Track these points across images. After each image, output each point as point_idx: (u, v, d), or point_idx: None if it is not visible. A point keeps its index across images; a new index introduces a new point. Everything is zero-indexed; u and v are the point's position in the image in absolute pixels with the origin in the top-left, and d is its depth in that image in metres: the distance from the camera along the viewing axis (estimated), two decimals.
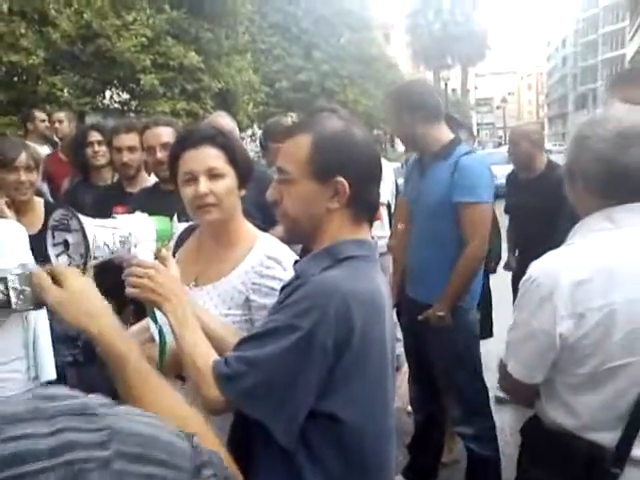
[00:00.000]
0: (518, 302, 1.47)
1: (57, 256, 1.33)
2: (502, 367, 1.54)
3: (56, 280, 1.10)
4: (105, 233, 1.42)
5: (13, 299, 1.12)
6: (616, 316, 1.31)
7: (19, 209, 2.78)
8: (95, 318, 1.06)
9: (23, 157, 2.77)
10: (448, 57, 43.58)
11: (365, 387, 1.26)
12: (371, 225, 1.43)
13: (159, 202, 2.49)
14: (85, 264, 1.28)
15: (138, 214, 1.58)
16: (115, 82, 10.11)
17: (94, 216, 1.36)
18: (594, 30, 61.39)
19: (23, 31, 8.95)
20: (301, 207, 1.34)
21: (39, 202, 2.91)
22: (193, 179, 1.71)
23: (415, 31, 42.52)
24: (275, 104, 15.58)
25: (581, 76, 65.10)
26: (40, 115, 5.53)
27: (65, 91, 9.66)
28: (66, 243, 1.34)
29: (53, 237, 1.33)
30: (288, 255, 1.85)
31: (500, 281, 4.07)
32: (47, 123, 5.53)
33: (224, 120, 3.56)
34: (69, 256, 1.35)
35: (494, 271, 3.86)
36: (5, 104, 9.44)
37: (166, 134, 2.83)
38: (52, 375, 2.42)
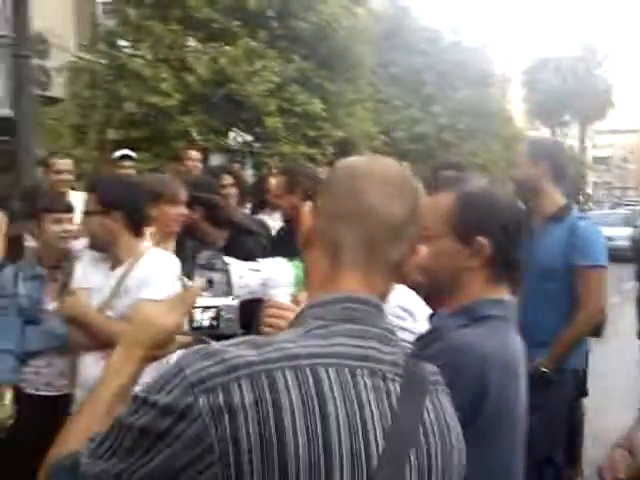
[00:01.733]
0: None
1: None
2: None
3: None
4: (248, 274, 1.51)
5: (222, 325, 1.31)
6: None
7: (166, 240, 2.96)
8: None
9: (184, 193, 2.98)
10: (566, 114, 42.51)
11: (496, 456, 1.22)
12: (512, 285, 1.41)
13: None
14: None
15: (279, 259, 1.64)
16: (240, 124, 10.60)
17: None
18: None
19: (164, 76, 9.64)
20: (441, 264, 1.35)
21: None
22: None
23: (532, 85, 41.86)
24: (391, 153, 15.72)
25: None
26: (194, 155, 5.83)
27: (194, 130, 10.25)
28: (210, 282, 1.44)
29: (201, 276, 1.44)
30: (421, 307, 1.84)
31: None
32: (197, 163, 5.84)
33: None
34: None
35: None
36: (138, 141, 10.13)
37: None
38: None
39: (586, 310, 2.73)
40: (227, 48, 9.98)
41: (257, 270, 1.58)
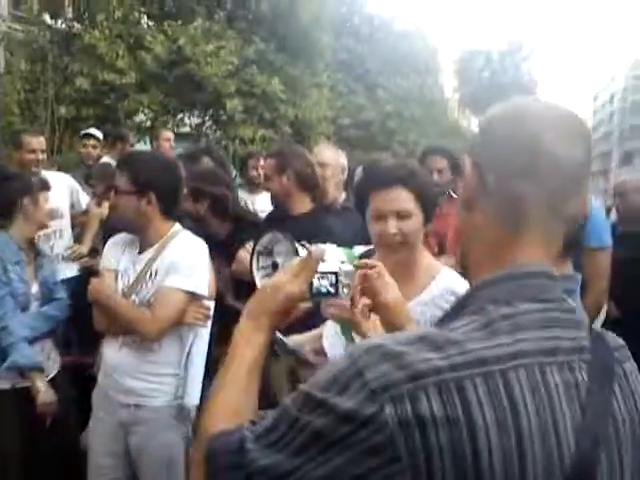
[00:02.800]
0: None
1: (262, 278, 1.41)
2: None
3: None
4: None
5: (340, 290, 1.29)
6: None
7: None
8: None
9: None
10: (494, 105, 43.76)
11: None
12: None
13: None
14: None
15: (328, 245, 1.69)
16: (198, 105, 10.44)
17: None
18: None
19: (121, 53, 9.36)
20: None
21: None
22: (382, 217, 1.77)
23: (463, 75, 42.92)
24: (336, 140, 15.89)
25: (629, 133, 64.72)
26: (166, 134, 5.78)
27: (147, 110, 10.02)
28: (275, 265, 1.41)
29: (258, 261, 1.41)
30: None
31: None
32: (172, 143, 5.79)
33: (333, 154, 3.67)
34: None
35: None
36: (90, 119, 9.82)
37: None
38: (194, 401, 2.49)
39: (593, 291, 2.80)
40: (185, 27, 9.79)
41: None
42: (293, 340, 1.77)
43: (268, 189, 3.34)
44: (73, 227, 4.48)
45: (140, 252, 2.53)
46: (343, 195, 3.68)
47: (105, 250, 2.64)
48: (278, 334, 1.61)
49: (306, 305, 1.18)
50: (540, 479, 0.75)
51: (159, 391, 2.47)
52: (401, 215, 1.76)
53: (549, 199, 0.84)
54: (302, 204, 2.98)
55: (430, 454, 0.73)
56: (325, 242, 1.42)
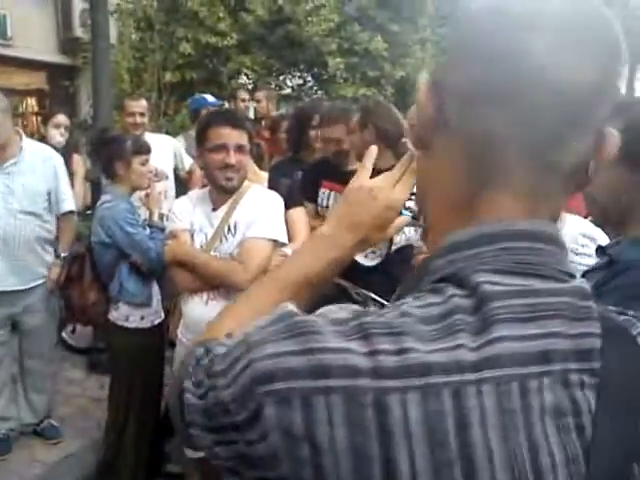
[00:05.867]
0: None
1: None
2: None
3: None
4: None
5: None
6: None
7: None
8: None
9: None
10: None
11: None
12: None
13: None
14: None
15: None
16: (300, 65, 10.36)
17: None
18: None
19: (221, 15, 9.41)
20: (611, 194, 1.27)
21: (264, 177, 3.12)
22: None
23: None
24: None
25: None
26: (242, 94, 5.78)
27: (250, 72, 10.06)
28: None
29: None
30: (603, 236, 1.76)
31: None
32: (248, 102, 5.78)
33: None
34: None
35: None
36: (195, 83, 10.00)
37: None
38: None
39: None
40: None
41: None
42: None
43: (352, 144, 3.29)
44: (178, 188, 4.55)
45: (214, 209, 2.54)
46: None
47: (173, 211, 2.66)
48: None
49: (405, 219, 0.94)
50: None
51: None
52: None
53: (532, 138, 0.58)
54: (384, 160, 2.94)
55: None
56: None
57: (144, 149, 3.18)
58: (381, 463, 0.50)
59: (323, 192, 3.27)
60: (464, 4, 0.66)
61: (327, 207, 3.21)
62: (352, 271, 1.51)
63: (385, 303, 1.63)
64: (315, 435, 0.51)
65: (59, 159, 3.52)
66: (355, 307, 0.62)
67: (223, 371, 0.60)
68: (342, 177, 3.15)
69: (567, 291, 0.57)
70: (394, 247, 2.64)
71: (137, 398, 3.07)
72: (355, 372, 0.52)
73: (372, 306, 1.56)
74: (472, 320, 0.54)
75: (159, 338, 3.17)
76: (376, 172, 0.90)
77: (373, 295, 1.64)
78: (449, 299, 0.56)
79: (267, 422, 0.54)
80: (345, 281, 1.68)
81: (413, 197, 0.88)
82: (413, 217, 1.00)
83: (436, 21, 16.55)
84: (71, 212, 3.58)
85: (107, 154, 3.10)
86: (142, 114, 4.51)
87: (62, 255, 3.50)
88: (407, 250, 2.70)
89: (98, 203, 3.12)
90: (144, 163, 3.15)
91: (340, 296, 1.97)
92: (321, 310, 0.62)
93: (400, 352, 0.52)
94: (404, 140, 2.50)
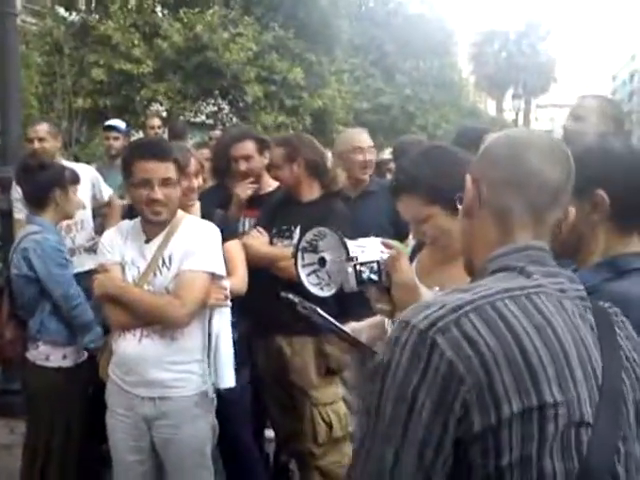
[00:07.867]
0: None
1: (307, 275, 1.47)
2: None
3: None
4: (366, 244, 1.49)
5: (383, 278, 1.38)
6: None
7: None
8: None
9: (193, 163, 2.77)
10: (512, 87, 43.28)
11: None
12: None
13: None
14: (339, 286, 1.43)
15: (372, 238, 1.61)
16: (216, 92, 10.31)
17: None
18: None
19: (136, 42, 9.25)
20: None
21: (197, 207, 2.91)
22: None
23: (479, 59, 42.43)
24: (356, 125, 15.72)
25: None
26: (153, 122, 5.79)
27: (164, 99, 9.92)
28: (322, 260, 1.44)
29: (303, 258, 1.44)
30: None
31: None
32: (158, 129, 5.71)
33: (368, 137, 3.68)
34: (317, 276, 1.47)
35: None
36: (108, 109, 9.75)
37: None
38: (231, 383, 2.42)
39: None
40: (201, 15, 9.64)
41: (362, 246, 1.55)
42: (351, 327, 1.75)
43: (276, 177, 3.26)
44: (94, 218, 4.35)
45: (147, 241, 2.40)
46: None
47: (103, 243, 2.48)
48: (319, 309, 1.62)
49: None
50: (581, 381, 0.88)
51: (185, 380, 2.37)
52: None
53: (534, 208, 1.02)
54: (311, 191, 3.01)
55: (487, 368, 0.83)
56: (333, 227, 1.46)
57: (78, 178, 3.03)
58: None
59: (242, 219, 3.23)
60: (490, 138, 1.13)
61: (243, 233, 3.13)
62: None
63: (330, 319, 1.62)
64: None
65: None
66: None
67: None
68: (256, 202, 3.16)
69: (564, 274, 1.02)
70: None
71: (59, 444, 2.85)
72: (472, 301, 0.90)
73: (318, 319, 1.58)
74: (519, 275, 0.97)
75: (86, 378, 2.96)
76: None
77: (319, 310, 1.64)
78: (511, 272, 0.98)
79: None
80: (295, 295, 1.67)
81: (368, 265, 1.37)
82: (370, 281, 1.37)
83: (349, 51, 17.04)
84: None
85: (44, 181, 2.87)
86: (41, 139, 4.20)
87: None
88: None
89: (21, 233, 2.91)
90: (75, 192, 3.00)
91: (285, 310, 1.93)
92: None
93: (490, 288, 0.93)
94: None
